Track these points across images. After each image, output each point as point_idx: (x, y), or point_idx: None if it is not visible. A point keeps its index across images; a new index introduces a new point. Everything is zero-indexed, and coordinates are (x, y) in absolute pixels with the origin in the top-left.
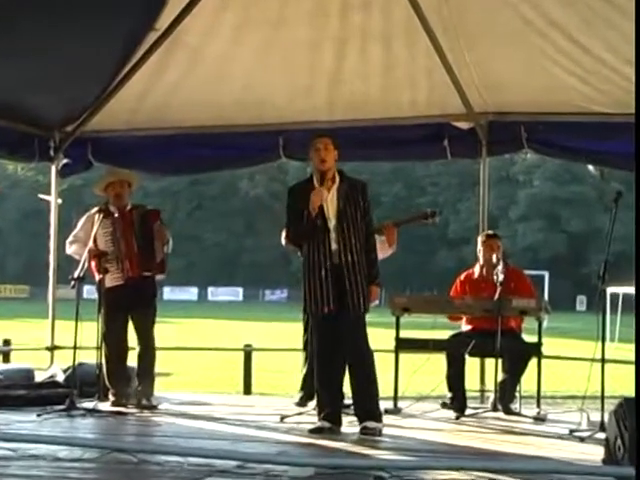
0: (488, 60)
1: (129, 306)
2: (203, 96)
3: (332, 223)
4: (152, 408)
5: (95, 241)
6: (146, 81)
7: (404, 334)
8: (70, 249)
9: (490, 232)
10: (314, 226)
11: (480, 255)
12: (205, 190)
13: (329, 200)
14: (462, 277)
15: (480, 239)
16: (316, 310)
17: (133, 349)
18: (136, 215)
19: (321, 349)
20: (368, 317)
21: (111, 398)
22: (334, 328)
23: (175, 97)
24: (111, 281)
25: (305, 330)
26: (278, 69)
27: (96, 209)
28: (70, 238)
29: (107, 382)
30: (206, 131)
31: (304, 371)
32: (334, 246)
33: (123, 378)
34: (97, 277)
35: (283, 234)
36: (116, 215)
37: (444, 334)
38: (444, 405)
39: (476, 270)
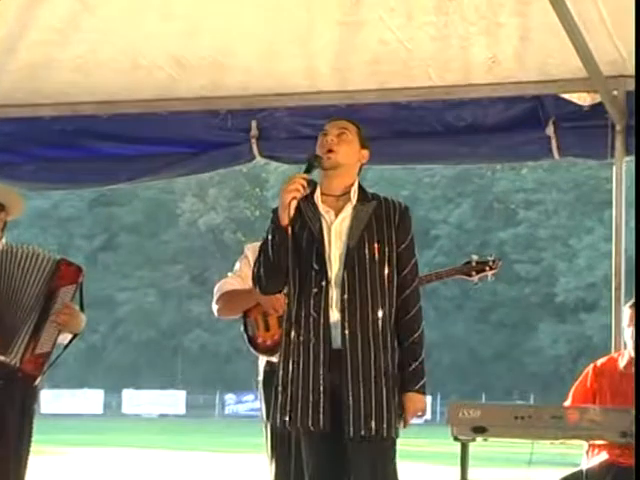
0: None
1: None
2: (114, 49)
3: (334, 271)
4: None
5: None
6: (10, 21)
7: (476, 473)
8: None
9: None
10: (281, 246)
11: (628, 336)
12: (119, 216)
13: (334, 228)
14: (599, 363)
15: (627, 309)
16: (283, 424)
17: None
18: (12, 258)
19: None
20: (403, 442)
21: None
22: (332, 452)
23: (64, 50)
24: None
25: (271, 459)
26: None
27: None
28: None
29: None
30: (120, 111)
31: None
32: (335, 315)
33: None
34: None
35: (216, 290)
36: None
37: (551, 475)
38: None
39: (624, 358)
